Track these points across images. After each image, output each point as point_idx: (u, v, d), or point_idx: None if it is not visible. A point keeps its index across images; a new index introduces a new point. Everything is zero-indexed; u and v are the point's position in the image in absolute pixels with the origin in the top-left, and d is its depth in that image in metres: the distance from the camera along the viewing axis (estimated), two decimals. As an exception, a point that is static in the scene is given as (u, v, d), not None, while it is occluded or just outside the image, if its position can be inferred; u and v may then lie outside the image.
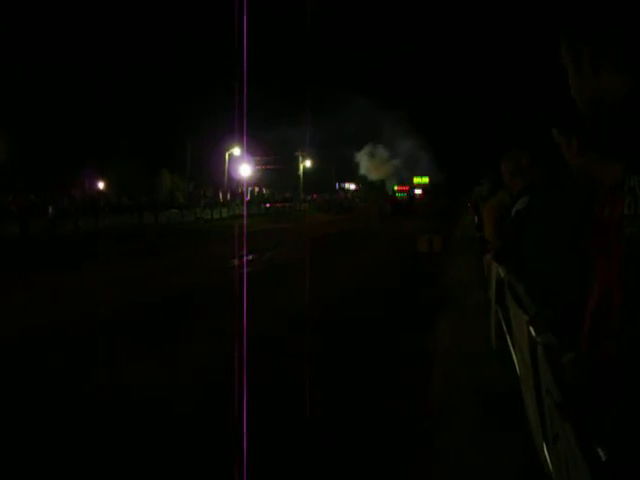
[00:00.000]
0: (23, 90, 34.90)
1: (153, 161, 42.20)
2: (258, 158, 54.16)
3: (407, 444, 3.56)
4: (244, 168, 48.57)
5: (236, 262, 13.25)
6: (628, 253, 1.13)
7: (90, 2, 43.86)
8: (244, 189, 51.22)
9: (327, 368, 5.07)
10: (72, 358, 5.55)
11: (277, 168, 57.46)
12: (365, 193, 68.67)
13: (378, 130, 73.25)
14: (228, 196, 47.12)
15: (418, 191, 70.72)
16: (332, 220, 33.80)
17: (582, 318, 1.39)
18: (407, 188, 70.51)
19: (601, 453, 1.06)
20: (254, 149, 51.96)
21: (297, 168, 60.51)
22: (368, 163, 75.61)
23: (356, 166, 75.86)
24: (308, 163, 60.84)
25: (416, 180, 74.78)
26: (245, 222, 36.28)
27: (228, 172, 48.77)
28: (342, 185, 75.87)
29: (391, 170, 75.52)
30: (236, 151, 47.67)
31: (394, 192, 67.45)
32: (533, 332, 2.11)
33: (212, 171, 48.38)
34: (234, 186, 50.21)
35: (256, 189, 56.39)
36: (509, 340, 3.91)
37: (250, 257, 14.03)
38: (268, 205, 50.18)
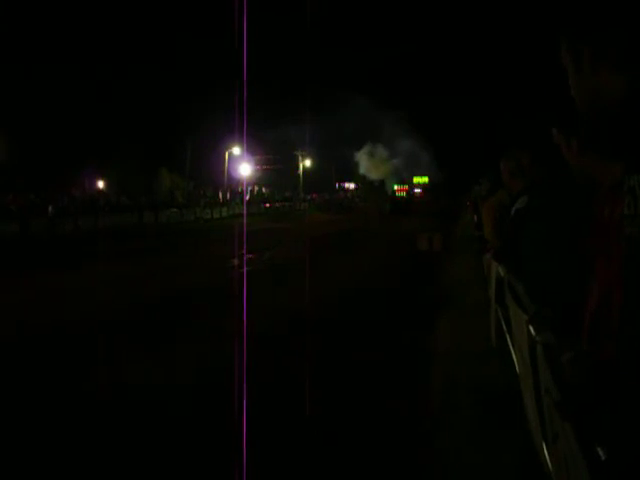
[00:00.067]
0: (23, 90, 34.88)
1: (153, 161, 42.19)
2: (258, 158, 54.13)
3: (407, 443, 3.56)
4: (244, 167, 48.54)
5: (236, 261, 13.25)
6: (628, 253, 1.13)
7: (90, 2, 43.83)
8: (244, 188, 51.20)
9: (327, 367, 5.07)
10: (72, 357, 5.55)
11: (277, 168, 57.42)
12: (365, 193, 68.58)
13: (378, 130, 73.20)
14: (228, 195, 47.11)
15: (418, 190, 70.68)
16: (332, 219, 33.80)
17: (582, 318, 1.39)
18: (407, 188, 70.47)
19: (600, 452, 1.06)
20: (254, 149, 51.95)
21: (297, 168, 60.48)
22: (368, 163, 75.50)
23: (356, 166, 75.77)
24: (308, 163, 60.81)
25: (416, 180, 74.71)
26: (245, 221, 36.28)
27: (228, 172, 48.74)
28: (342, 185, 75.85)
29: (391, 170, 75.42)
30: (236, 151, 47.65)
31: (394, 192, 67.40)
32: (532, 331, 2.11)
33: (212, 171, 48.36)
34: (234, 185, 50.19)
35: (256, 188, 56.37)
36: (509, 339, 3.91)
37: (250, 256, 14.03)
38: (268, 205, 50.16)
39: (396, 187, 70.49)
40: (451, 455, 3.34)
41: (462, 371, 4.76)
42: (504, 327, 4.21)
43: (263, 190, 57.59)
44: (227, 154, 47.98)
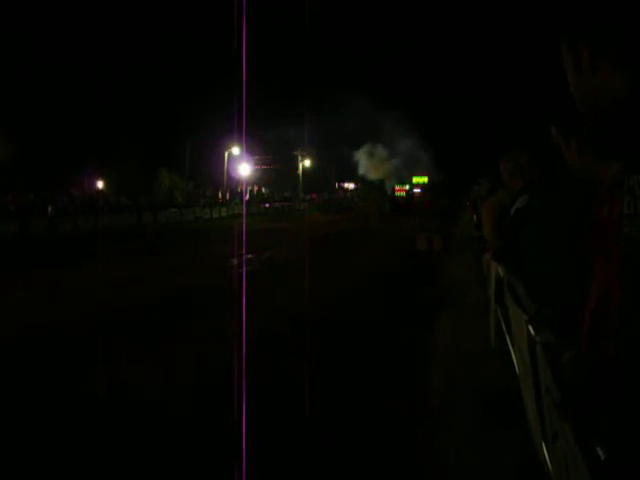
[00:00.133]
0: (23, 90, 34.87)
1: (152, 161, 42.17)
2: (257, 157, 54.11)
3: (407, 443, 3.56)
4: (243, 167, 48.53)
5: (235, 261, 13.25)
6: (627, 253, 1.13)
7: (90, 2, 43.82)
8: (243, 188, 51.19)
9: (327, 367, 5.07)
10: (71, 357, 5.55)
11: (276, 167, 57.40)
12: (364, 192, 68.57)
13: (377, 129, 73.18)
14: (227, 195, 47.10)
15: (417, 190, 70.63)
16: (331, 219, 33.80)
17: (581, 317, 1.39)
18: (406, 187, 70.43)
19: (600, 452, 1.06)
20: (253, 148, 51.95)
21: (296, 167, 60.44)
22: (367, 162, 75.47)
23: (355, 165, 75.77)
24: (307, 162, 60.78)
25: (415, 179, 74.63)
26: (244, 221, 36.26)
27: (227, 171, 48.72)
28: (341, 185, 75.82)
29: (390, 169, 75.38)
30: (235, 150, 47.65)
31: (393, 191, 67.36)
32: (532, 331, 2.11)
33: (211, 170, 48.34)
34: (233, 185, 50.19)
35: (255, 188, 56.36)
36: (508, 339, 3.91)
37: (249, 256, 14.02)
38: (267, 204, 50.16)
39: (396, 187, 70.45)
40: (451, 455, 3.34)
41: (462, 371, 4.76)
42: (504, 327, 4.22)
43: (263, 190, 57.59)
44: (227, 154, 47.98)
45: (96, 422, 3.92)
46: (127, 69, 43.26)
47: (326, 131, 62.27)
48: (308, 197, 60.49)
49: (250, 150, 50.67)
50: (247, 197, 52.10)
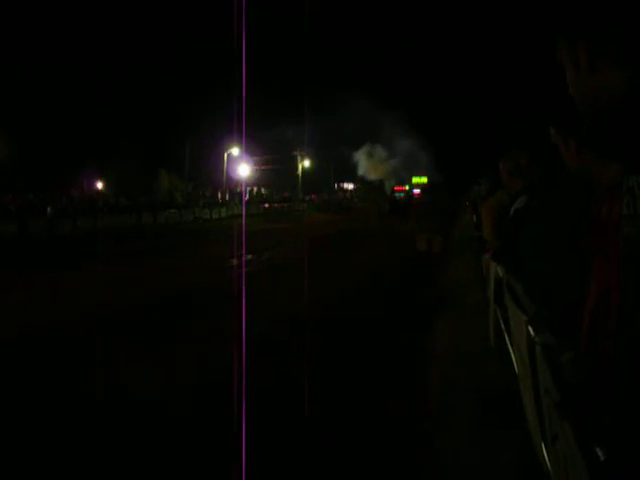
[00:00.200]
0: (23, 90, 34.87)
1: (152, 161, 42.19)
2: (257, 158, 54.12)
3: (406, 443, 3.56)
4: (243, 168, 48.55)
5: (235, 262, 13.25)
6: (626, 253, 1.13)
7: (90, 2, 43.80)
8: (243, 189, 51.19)
9: (326, 368, 5.07)
10: (70, 358, 5.55)
11: (276, 168, 57.41)
12: (364, 193, 68.60)
13: (377, 130, 73.22)
14: (227, 196, 47.09)
15: (417, 191, 70.66)
16: (331, 220, 33.79)
17: (580, 318, 1.39)
18: (405, 188, 70.48)
19: (599, 452, 1.06)
20: (253, 149, 51.97)
21: (296, 168, 60.50)
22: (366, 163, 75.53)
23: (355, 166, 75.83)
24: (307, 163, 60.85)
25: (415, 180, 74.70)
26: (244, 222, 36.25)
27: (227, 172, 48.74)
28: (341, 185, 75.85)
29: (390, 170, 75.45)
30: (235, 151, 47.66)
31: (393, 192, 67.40)
32: (532, 331, 2.11)
33: (211, 171, 48.36)
34: (233, 186, 50.18)
35: (255, 189, 56.35)
36: (507, 339, 3.91)
37: (249, 257, 14.02)
38: (267, 205, 50.16)
39: (395, 187, 70.49)
40: (450, 455, 3.34)
41: (461, 371, 4.76)
42: (503, 327, 4.21)
43: (262, 190, 57.59)
44: (226, 154, 47.98)
45: (96, 422, 3.91)
46: (127, 69, 43.29)
47: (325, 131, 62.37)
48: (307, 197, 60.51)
49: (249, 151, 50.73)
50: (246, 198, 52.10)
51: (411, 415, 4.01)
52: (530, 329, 2.14)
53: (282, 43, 59.92)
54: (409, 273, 11.47)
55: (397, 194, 64.68)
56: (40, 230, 23.88)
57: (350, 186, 76.27)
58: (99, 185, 40.89)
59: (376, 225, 28.56)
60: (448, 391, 4.37)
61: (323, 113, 62.58)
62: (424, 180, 74.81)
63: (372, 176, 75.13)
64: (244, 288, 9.00)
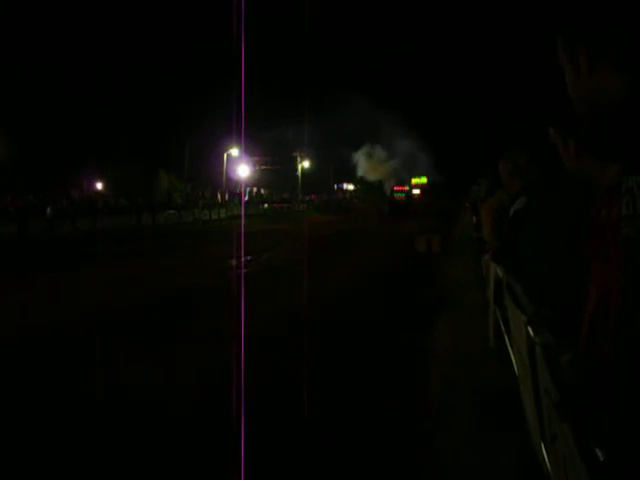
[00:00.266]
0: (23, 90, 34.84)
1: (151, 162, 42.16)
2: (256, 159, 54.08)
3: (406, 444, 3.56)
4: (242, 169, 48.53)
5: (234, 263, 13.24)
6: (625, 254, 1.14)
7: (90, 2, 43.80)
8: (242, 190, 51.18)
9: (326, 368, 5.07)
10: (70, 358, 5.55)
11: (275, 169, 57.39)
12: (363, 194, 68.58)
13: (377, 130, 73.17)
14: (226, 197, 47.08)
15: (416, 191, 70.61)
16: (330, 220, 33.80)
17: (580, 319, 1.39)
18: (405, 188, 70.42)
19: (599, 453, 1.06)
20: (252, 150, 51.92)
21: (295, 169, 60.47)
22: (366, 163, 75.47)
23: (354, 166, 75.77)
24: (306, 163, 60.82)
25: (414, 180, 74.56)
26: (243, 223, 36.25)
27: (226, 173, 48.71)
28: (340, 186, 75.82)
29: (389, 170, 75.38)
30: (234, 152, 47.64)
31: (392, 192, 67.35)
32: (531, 332, 2.11)
33: (210, 172, 48.31)
34: (232, 187, 50.17)
35: (254, 190, 56.34)
36: (507, 340, 3.91)
37: (248, 258, 14.02)
38: (266, 206, 50.15)
39: (395, 187, 70.44)
40: (450, 456, 3.34)
41: (461, 372, 4.76)
42: (502, 328, 4.22)
43: (262, 191, 57.57)
44: (225, 155, 47.98)
45: (96, 422, 3.91)
46: (127, 69, 43.26)
47: (325, 132, 62.26)
48: (307, 198, 60.50)
49: (249, 151, 50.69)
50: (246, 198, 52.09)
51: (411, 415, 4.01)
52: (530, 330, 2.14)
53: (282, 44, 59.88)
54: (409, 274, 11.47)
55: (397, 194, 64.57)
56: (40, 231, 23.87)
57: (350, 187, 76.25)
58: (99, 186, 40.87)
59: (375, 226, 28.58)
60: (448, 391, 4.38)
61: (323, 114, 62.50)
62: (424, 180, 74.69)
63: (372, 177, 75.07)
64: (243, 289, 9.00)
